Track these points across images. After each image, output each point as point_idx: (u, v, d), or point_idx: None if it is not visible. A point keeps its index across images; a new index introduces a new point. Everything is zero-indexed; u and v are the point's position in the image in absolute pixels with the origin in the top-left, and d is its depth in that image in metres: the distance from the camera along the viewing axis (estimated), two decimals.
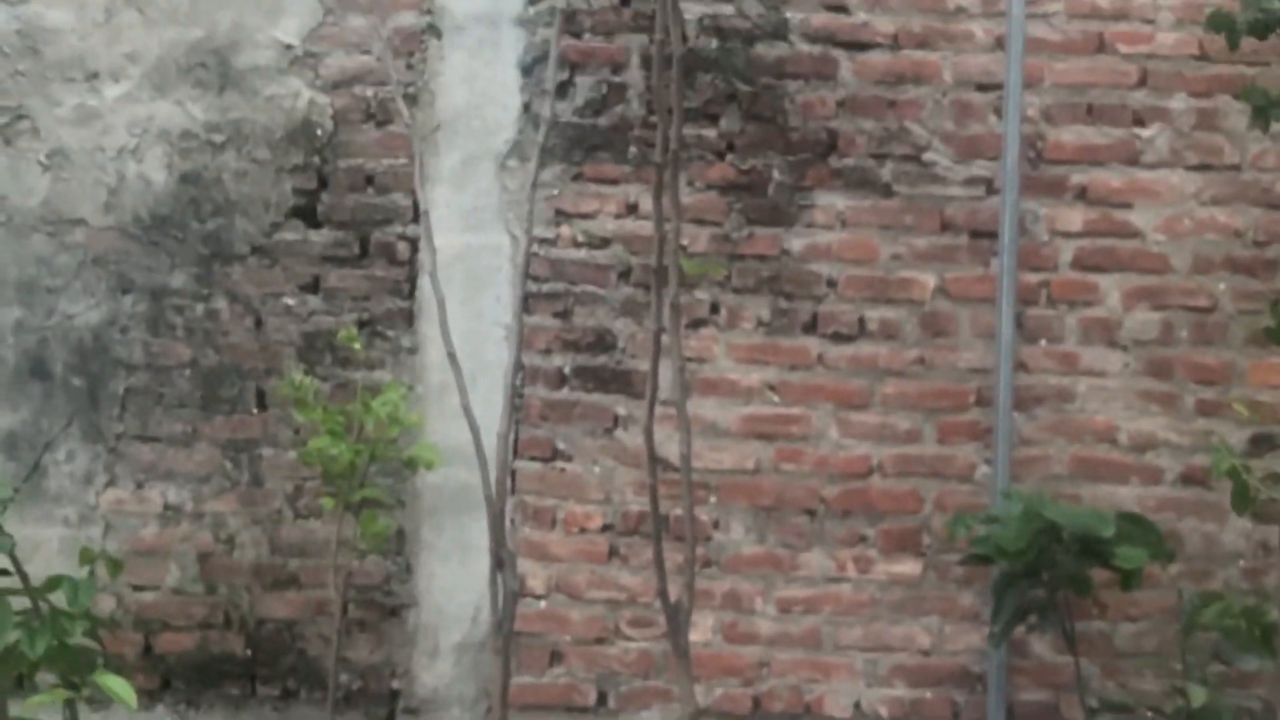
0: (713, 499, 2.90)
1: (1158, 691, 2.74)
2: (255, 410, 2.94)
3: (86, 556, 1.72)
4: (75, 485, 2.90)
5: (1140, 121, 2.87)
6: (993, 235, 2.86)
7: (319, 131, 2.96)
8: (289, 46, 2.96)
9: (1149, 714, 2.48)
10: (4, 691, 1.44)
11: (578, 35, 2.93)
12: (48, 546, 2.85)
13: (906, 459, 2.88)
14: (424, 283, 2.89)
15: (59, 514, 2.90)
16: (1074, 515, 2.12)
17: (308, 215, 2.96)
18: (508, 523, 2.84)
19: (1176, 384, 2.84)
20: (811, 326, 2.91)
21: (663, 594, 2.31)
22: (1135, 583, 2.25)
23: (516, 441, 2.91)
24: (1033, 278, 2.86)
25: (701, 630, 2.86)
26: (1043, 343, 2.87)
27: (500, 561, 2.44)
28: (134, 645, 2.88)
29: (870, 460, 2.88)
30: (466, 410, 2.47)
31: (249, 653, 2.90)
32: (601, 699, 2.88)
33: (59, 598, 1.98)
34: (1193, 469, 2.81)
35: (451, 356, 2.50)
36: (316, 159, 2.96)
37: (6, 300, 2.94)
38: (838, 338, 2.90)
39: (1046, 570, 2.18)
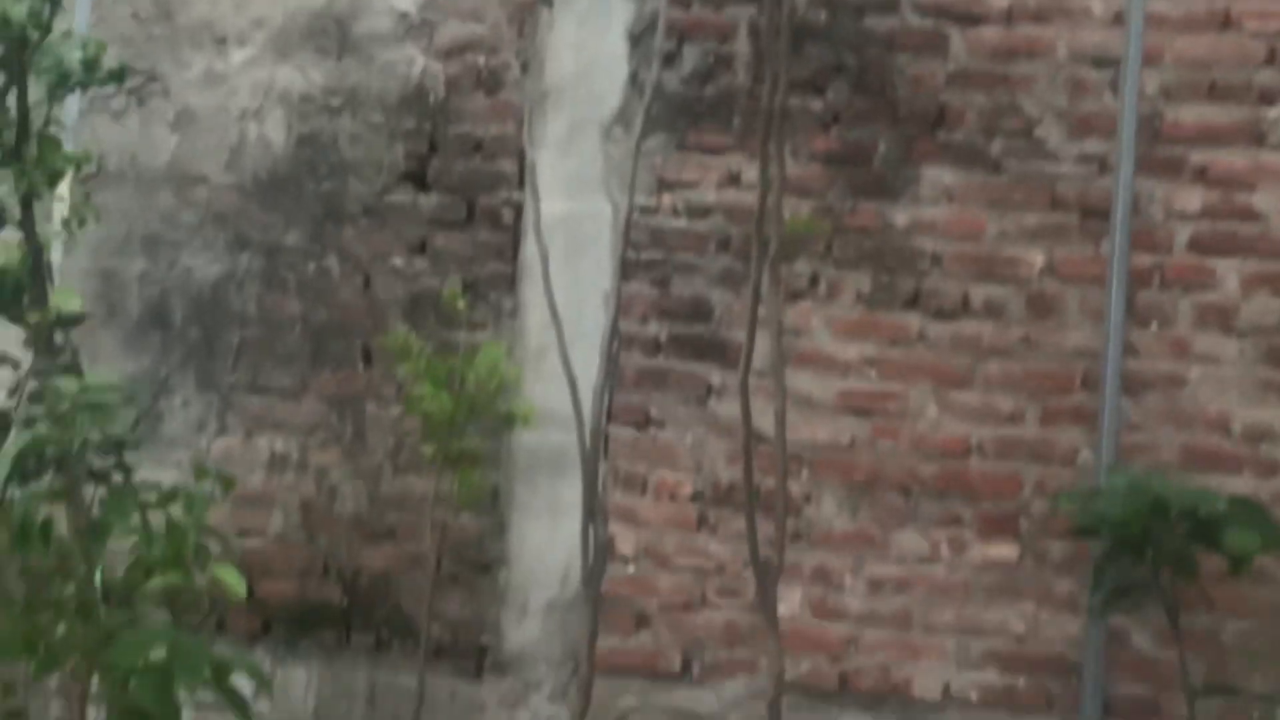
0: (805, 473, 2.88)
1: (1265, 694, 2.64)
2: (361, 367, 3.03)
3: (201, 473, 1.81)
4: (189, 432, 3.03)
5: (1267, 100, 2.76)
6: (1105, 215, 2.78)
7: (431, 98, 3.03)
8: (405, 14, 3.05)
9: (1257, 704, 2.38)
10: (137, 597, 1.51)
11: (686, 6, 2.95)
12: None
13: (1007, 441, 2.82)
14: (525, 248, 2.94)
15: (173, 458, 3.02)
16: (1183, 492, 2.05)
17: (417, 179, 3.04)
18: (599, 486, 2.87)
19: None
20: (913, 302, 2.87)
21: (753, 553, 2.31)
22: (1245, 568, 2.16)
23: (610, 406, 2.94)
24: (1146, 259, 2.78)
25: (789, 604, 2.83)
26: (1154, 326, 2.78)
27: (592, 514, 2.46)
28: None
29: (969, 440, 2.83)
30: (565, 361, 2.51)
31: (345, 602, 2.99)
32: (686, 666, 2.89)
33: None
34: None
35: (553, 309, 2.54)
36: (428, 124, 3.03)
37: (133, 253, 3.08)
38: (940, 314, 2.85)
39: (1151, 548, 2.11)
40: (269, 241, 3.05)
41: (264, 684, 1.65)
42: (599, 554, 2.49)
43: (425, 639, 2.74)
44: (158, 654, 1.37)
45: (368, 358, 3.03)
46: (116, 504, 1.54)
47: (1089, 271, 2.80)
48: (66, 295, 2.01)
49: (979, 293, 2.84)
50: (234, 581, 1.56)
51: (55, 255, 2.44)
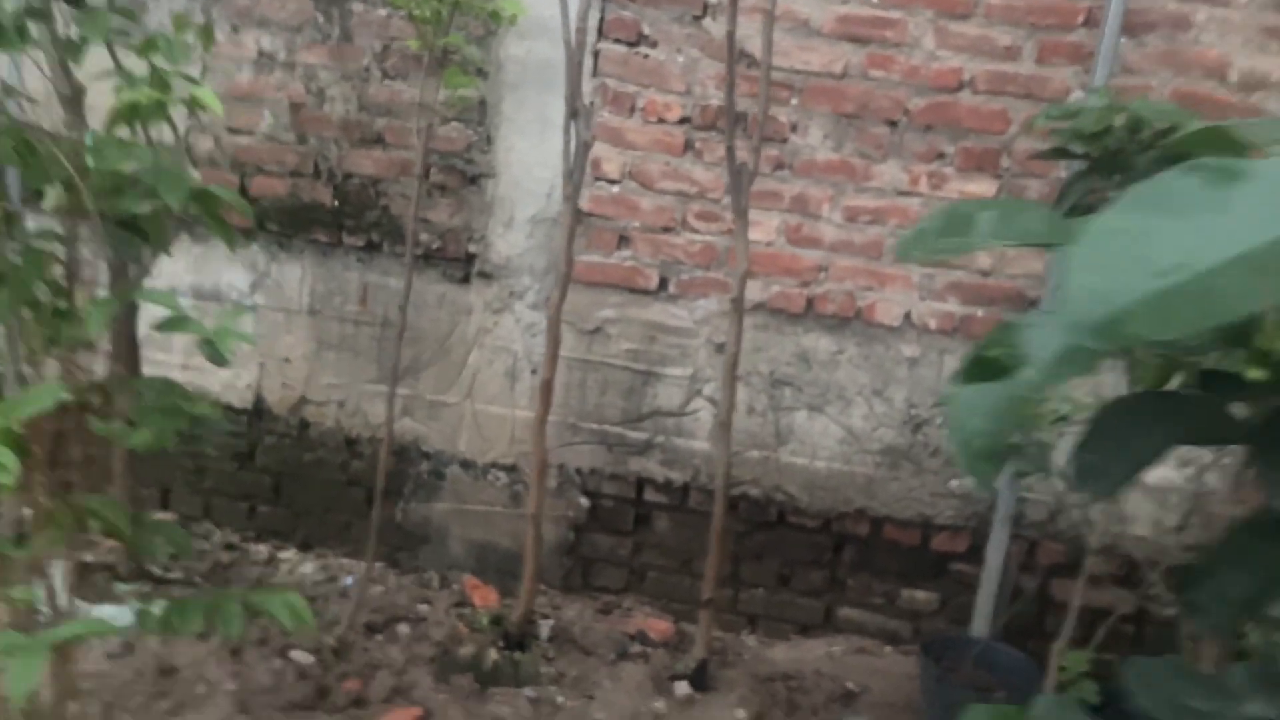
0: (794, 100, 2.87)
1: None
2: None
3: (181, 24, 1.78)
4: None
5: None
6: None
7: None
8: None
9: None
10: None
11: None
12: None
13: (1001, 77, 2.79)
14: None
15: None
16: (1160, 110, 2.06)
17: None
18: (587, 102, 2.87)
19: None
20: None
21: (730, 151, 2.34)
22: None
23: (602, 22, 2.88)
24: None
25: (765, 230, 2.93)
26: None
27: (575, 111, 2.48)
28: (231, 184, 3.06)
29: (963, 74, 2.80)
30: None
31: (336, 204, 3.07)
32: (663, 284, 3.02)
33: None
34: None
35: None
36: None
37: None
38: None
39: (1120, 173, 2.15)
40: None
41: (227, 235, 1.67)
42: (581, 143, 2.52)
43: (411, 236, 2.82)
44: (141, 167, 1.43)
45: None
46: (90, 22, 1.54)
47: None
48: None
49: None
50: (212, 101, 1.58)
51: None
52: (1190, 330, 0.55)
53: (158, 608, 1.54)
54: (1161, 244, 0.58)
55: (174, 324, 1.42)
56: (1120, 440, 0.74)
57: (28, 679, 1.25)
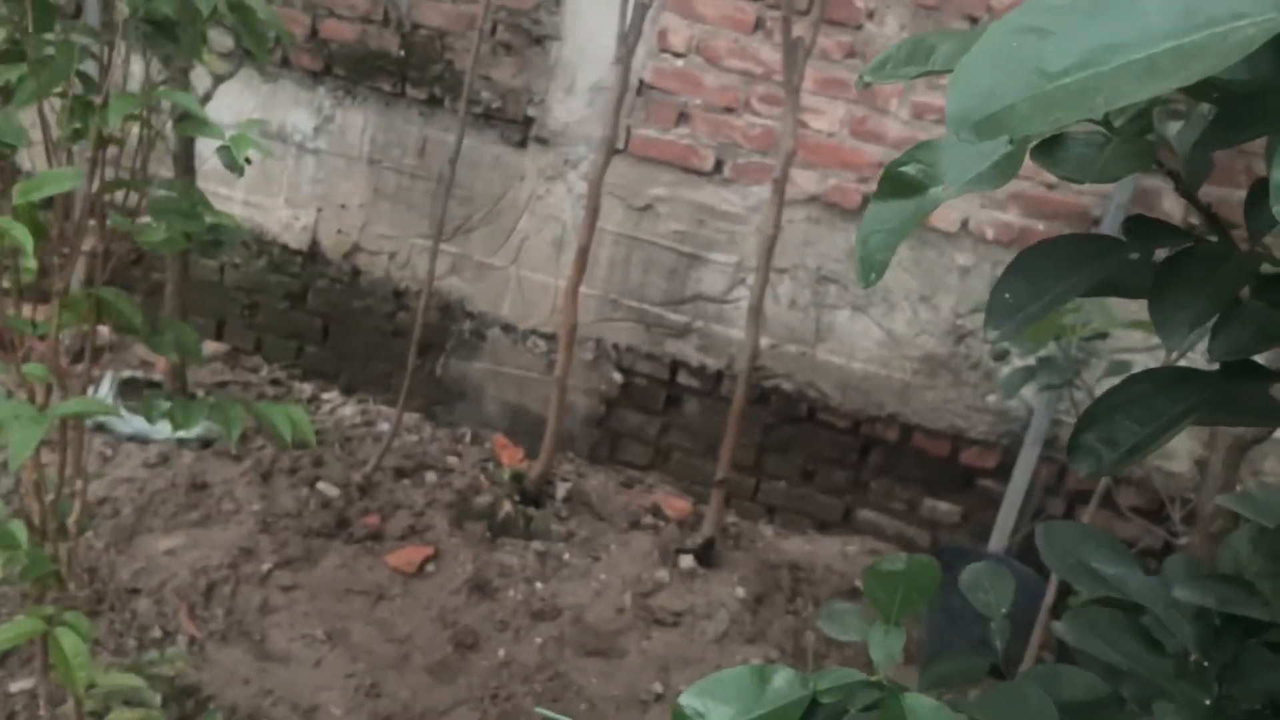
0: None
1: None
2: None
3: None
4: None
5: None
6: None
7: None
8: None
9: None
10: None
11: None
12: None
13: None
14: None
15: None
16: None
17: None
18: None
19: None
20: None
21: (785, 22, 2.27)
22: None
23: None
24: None
25: (829, 120, 2.86)
26: None
27: None
28: (302, 26, 3.08)
29: None
30: None
31: (403, 54, 3.07)
32: (718, 166, 2.97)
33: None
34: None
35: None
36: None
37: None
38: None
39: None
40: None
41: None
42: (637, 14, 2.47)
43: (468, 92, 2.80)
44: None
45: None
46: None
47: None
48: None
49: None
50: None
51: None
52: (1067, 121, 0.54)
53: (165, 403, 1.61)
54: (1062, 44, 0.56)
55: (193, 126, 1.45)
56: (1036, 281, 0.73)
57: (25, 446, 1.33)
